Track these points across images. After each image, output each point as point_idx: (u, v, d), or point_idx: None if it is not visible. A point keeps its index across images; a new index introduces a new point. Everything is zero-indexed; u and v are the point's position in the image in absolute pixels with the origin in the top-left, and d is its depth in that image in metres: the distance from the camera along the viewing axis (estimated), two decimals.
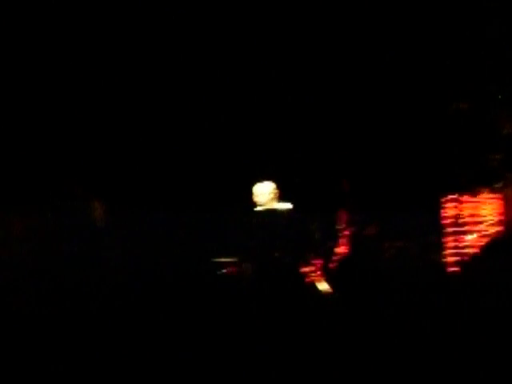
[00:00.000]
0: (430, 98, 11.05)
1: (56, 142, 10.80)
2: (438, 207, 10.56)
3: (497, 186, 10.59)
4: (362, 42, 11.01)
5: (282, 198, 8.52)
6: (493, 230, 10.50)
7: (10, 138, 10.50)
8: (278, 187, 8.42)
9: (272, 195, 8.28)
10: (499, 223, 10.52)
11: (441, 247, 10.42)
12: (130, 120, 11.16)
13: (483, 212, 10.59)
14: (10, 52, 10.44)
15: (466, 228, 10.43)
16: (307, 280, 8.33)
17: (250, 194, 8.57)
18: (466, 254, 10.34)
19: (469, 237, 10.45)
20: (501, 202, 10.55)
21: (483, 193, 10.63)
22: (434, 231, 10.53)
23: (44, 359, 4.90)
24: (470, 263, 9.72)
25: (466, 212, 10.46)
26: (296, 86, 11.26)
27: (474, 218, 10.54)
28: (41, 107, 10.77)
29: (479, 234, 10.45)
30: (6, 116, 10.48)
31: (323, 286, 8.09)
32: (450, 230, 10.46)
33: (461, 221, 10.38)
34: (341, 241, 10.23)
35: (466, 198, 10.50)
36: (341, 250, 10.07)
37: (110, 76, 10.99)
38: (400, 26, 10.92)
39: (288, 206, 8.42)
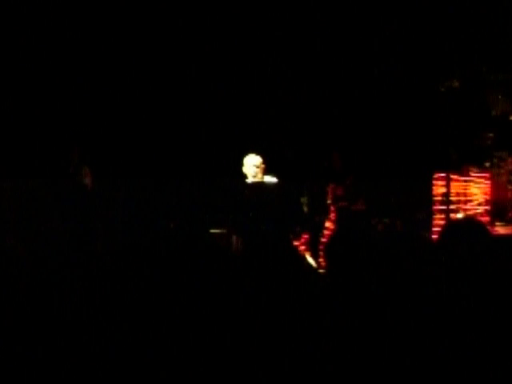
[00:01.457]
0: (422, 76, 11.06)
1: (51, 107, 10.89)
2: (427, 185, 10.60)
3: (486, 165, 10.64)
4: (352, 19, 11.02)
5: (272, 171, 8.58)
6: (481, 209, 10.56)
7: (7, 105, 10.59)
8: (268, 160, 8.47)
9: (258, 168, 8.33)
10: (486, 202, 10.57)
11: (429, 224, 10.46)
12: (121, 89, 11.19)
13: (472, 191, 10.63)
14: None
15: (454, 206, 10.46)
16: (299, 253, 8.40)
17: (241, 165, 8.62)
18: None
19: (458, 215, 10.49)
20: (489, 181, 10.59)
21: (472, 172, 10.67)
22: (422, 208, 10.58)
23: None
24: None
25: (454, 190, 10.49)
26: (288, 60, 11.27)
27: (462, 197, 10.59)
28: (38, 77, 10.86)
29: (467, 213, 10.50)
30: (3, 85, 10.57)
31: (308, 261, 8.17)
32: (439, 207, 10.50)
33: (450, 199, 10.42)
34: (329, 215, 10.29)
35: (455, 176, 10.52)
36: (329, 224, 10.13)
37: (101, 51, 11.06)
38: (393, 4, 10.93)
39: (273, 179, 8.47)
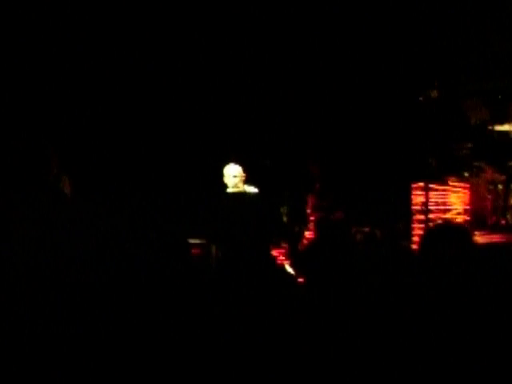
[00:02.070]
0: (401, 85, 11.09)
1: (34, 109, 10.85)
2: (406, 194, 10.62)
3: (465, 174, 10.67)
4: (330, 27, 11.06)
5: (251, 181, 8.57)
6: (460, 218, 10.59)
7: None
8: (247, 170, 8.46)
9: (238, 178, 8.32)
10: (465, 212, 10.61)
11: (409, 234, 10.48)
12: (101, 96, 11.16)
13: (451, 200, 10.66)
14: None
15: (433, 216, 10.49)
16: (277, 263, 8.38)
17: (221, 175, 8.60)
18: None
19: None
20: (468, 191, 10.62)
21: (451, 181, 10.70)
22: (401, 218, 10.60)
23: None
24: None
25: (433, 200, 10.52)
26: (267, 68, 11.27)
27: (441, 206, 10.61)
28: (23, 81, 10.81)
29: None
30: None
31: (288, 271, 8.14)
32: (418, 217, 10.52)
33: (428, 208, 10.44)
34: (309, 225, 10.29)
35: (434, 185, 10.55)
36: (308, 234, 10.12)
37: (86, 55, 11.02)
38: (372, 14, 10.97)
39: (254, 189, 8.46)
